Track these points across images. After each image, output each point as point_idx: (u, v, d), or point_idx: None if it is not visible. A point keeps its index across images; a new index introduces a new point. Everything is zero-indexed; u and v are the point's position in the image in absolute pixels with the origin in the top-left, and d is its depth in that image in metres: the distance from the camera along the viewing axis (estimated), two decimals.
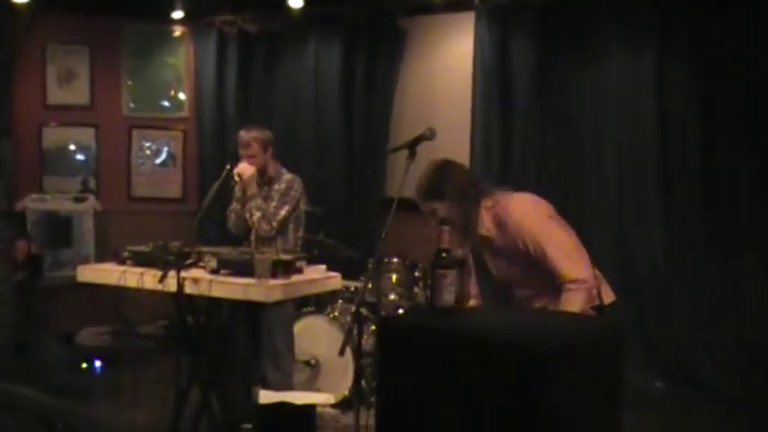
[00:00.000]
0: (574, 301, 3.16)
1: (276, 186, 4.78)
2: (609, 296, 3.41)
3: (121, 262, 4.16)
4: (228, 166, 4.62)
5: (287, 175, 4.82)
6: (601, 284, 3.36)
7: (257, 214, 4.66)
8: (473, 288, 3.72)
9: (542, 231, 3.28)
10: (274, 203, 4.72)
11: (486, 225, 3.40)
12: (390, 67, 6.93)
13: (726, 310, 5.66)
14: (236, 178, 4.65)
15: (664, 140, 5.83)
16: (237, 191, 4.79)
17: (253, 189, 4.69)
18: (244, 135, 4.76)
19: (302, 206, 4.89)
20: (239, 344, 4.70)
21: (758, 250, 5.58)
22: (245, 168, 4.66)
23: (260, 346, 4.72)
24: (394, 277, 5.48)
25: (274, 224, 4.68)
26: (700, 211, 5.76)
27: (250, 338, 4.75)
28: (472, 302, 3.68)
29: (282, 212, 4.71)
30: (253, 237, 4.77)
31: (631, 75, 5.92)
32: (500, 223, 3.36)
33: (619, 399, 2.46)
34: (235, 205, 4.85)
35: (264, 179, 4.79)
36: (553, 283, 3.25)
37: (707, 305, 5.72)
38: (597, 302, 3.30)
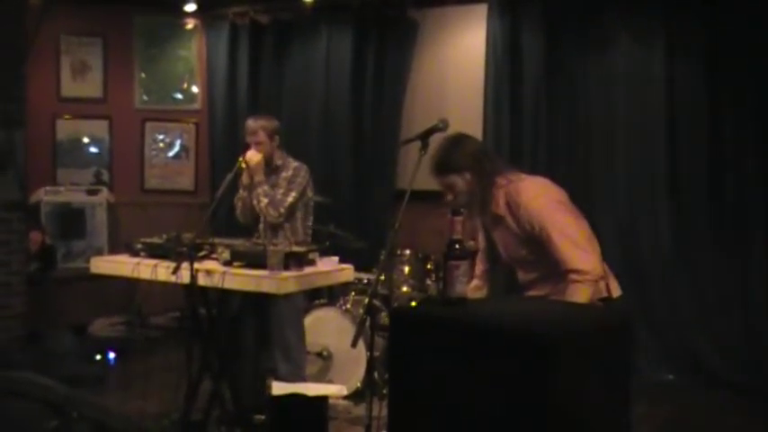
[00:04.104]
0: (580, 295, 3.13)
1: (283, 174, 4.79)
2: (616, 290, 3.38)
3: (134, 254, 4.17)
4: (241, 158, 4.63)
5: (293, 163, 4.84)
6: (608, 278, 3.34)
7: (264, 201, 4.68)
8: (482, 264, 3.71)
9: (550, 215, 3.25)
10: (281, 190, 4.73)
11: (498, 202, 3.37)
12: (401, 59, 6.93)
13: (733, 300, 5.66)
14: (243, 165, 4.66)
15: (672, 130, 5.84)
16: (245, 178, 4.81)
17: (259, 176, 4.70)
18: (251, 123, 4.79)
19: (309, 194, 4.89)
20: (250, 335, 4.71)
21: (765, 240, 5.57)
22: (252, 155, 4.68)
23: (270, 338, 4.73)
24: (406, 269, 5.48)
25: (282, 210, 4.69)
26: (707, 200, 5.76)
27: (260, 330, 4.76)
28: (475, 282, 3.68)
29: (290, 199, 4.72)
30: (261, 225, 4.78)
31: (641, 65, 5.92)
32: (511, 202, 3.32)
33: (628, 388, 2.45)
34: (242, 193, 4.87)
35: (271, 167, 4.81)
36: (557, 271, 3.24)
37: (714, 295, 5.72)
38: (605, 294, 3.29)
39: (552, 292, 3.33)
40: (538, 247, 3.29)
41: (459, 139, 3.45)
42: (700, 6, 5.69)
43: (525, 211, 3.28)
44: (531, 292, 3.46)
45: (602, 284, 3.25)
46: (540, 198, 3.31)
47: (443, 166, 3.37)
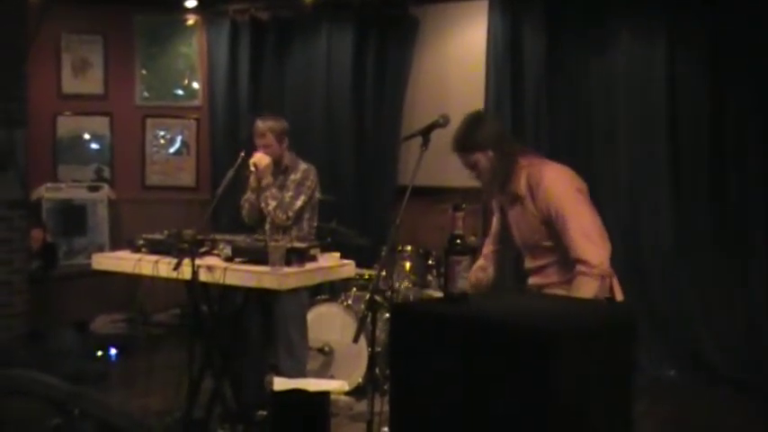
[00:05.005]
0: (587, 288, 3.14)
1: (292, 176, 4.77)
2: (619, 294, 3.37)
3: (136, 250, 4.17)
4: (243, 154, 4.61)
5: (302, 165, 4.82)
6: (614, 279, 3.33)
7: (272, 204, 4.66)
8: (491, 245, 3.71)
9: (568, 203, 3.25)
10: (290, 193, 4.71)
11: (519, 183, 3.36)
12: (402, 56, 6.92)
13: (735, 298, 5.66)
14: (252, 168, 4.64)
15: (674, 128, 5.83)
16: (252, 181, 4.78)
17: (268, 179, 4.68)
18: (260, 125, 4.75)
19: (317, 195, 4.88)
20: (252, 331, 4.71)
21: (766, 239, 5.56)
22: (260, 158, 4.65)
23: (273, 334, 4.73)
24: (407, 265, 5.48)
25: (290, 214, 4.67)
26: (708, 200, 5.75)
27: (263, 326, 4.76)
28: (480, 262, 3.68)
29: (299, 202, 4.70)
30: (267, 226, 4.77)
31: (642, 63, 5.91)
32: (532, 184, 3.33)
33: (631, 385, 2.45)
34: (249, 195, 4.85)
35: (280, 169, 4.78)
36: (566, 260, 3.24)
37: (716, 293, 5.72)
38: (608, 295, 3.28)
39: (555, 282, 3.34)
40: (551, 232, 3.29)
41: (482, 117, 3.46)
42: (700, 6, 5.68)
43: (545, 194, 3.28)
44: (535, 279, 3.46)
45: (608, 282, 3.24)
46: (561, 184, 3.31)
47: (467, 143, 3.36)
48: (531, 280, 3.50)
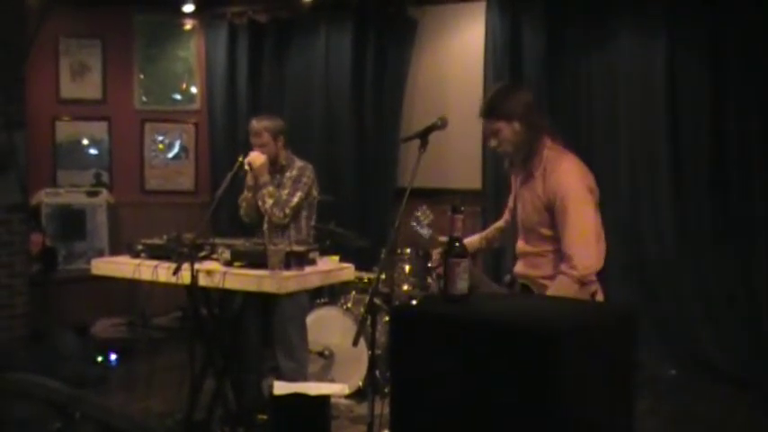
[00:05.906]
0: (565, 289, 3.12)
1: (288, 174, 4.79)
2: (600, 298, 3.34)
3: (135, 255, 4.17)
4: (241, 158, 4.63)
5: (299, 163, 4.84)
6: (597, 288, 3.30)
7: (269, 201, 4.67)
8: (508, 216, 3.72)
9: (576, 197, 3.22)
10: (286, 191, 4.73)
11: (538, 162, 3.33)
12: (401, 57, 6.92)
13: (737, 296, 5.65)
14: (247, 167, 4.66)
15: (674, 128, 5.82)
16: (249, 179, 4.81)
17: (264, 177, 4.70)
18: (255, 124, 4.79)
19: (314, 193, 4.89)
20: (252, 335, 4.71)
21: (767, 237, 5.56)
22: (255, 157, 4.67)
23: (273, 337, 4.73)
24: (407, 268, 5.48)
25: (287, 211, 4.69)
26: (710, 198, 5.74)
27: (263, 329, 4.76)
28: (499, 223, 3.74)
29: (295, 199, 4.71)
30: (266, 226, 4.78)
31: (642, 62, 5.90)
32: (548, 166, 3.29)
33: (632, 384, 2.45)
34: (246, 194, 4.87)
35: (276, 167, 4.80)
36: (557, 255, 3.23)
37: (718, 292, 5.71)
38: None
39: (541, 276, 3.32)
40: (550, 220, 3.27)
41: (517, 88, 3.42)
42: (700, 6, 5.67)
43: (556, 181, 3.25)
44: (521, 267, 3.45)
45: (590, 290, 3.21)
46: (574, 176, 3.27)
47: (494, 110, 3.33)
48: (518, 267, 3.47)
